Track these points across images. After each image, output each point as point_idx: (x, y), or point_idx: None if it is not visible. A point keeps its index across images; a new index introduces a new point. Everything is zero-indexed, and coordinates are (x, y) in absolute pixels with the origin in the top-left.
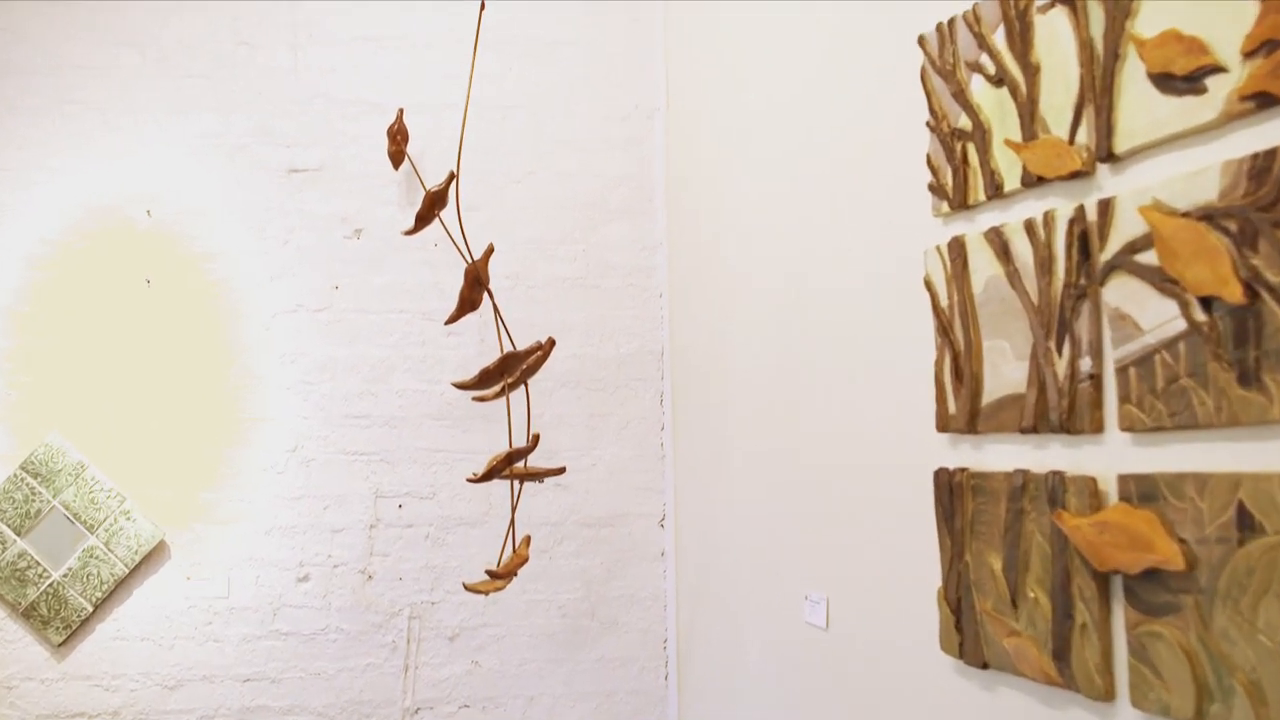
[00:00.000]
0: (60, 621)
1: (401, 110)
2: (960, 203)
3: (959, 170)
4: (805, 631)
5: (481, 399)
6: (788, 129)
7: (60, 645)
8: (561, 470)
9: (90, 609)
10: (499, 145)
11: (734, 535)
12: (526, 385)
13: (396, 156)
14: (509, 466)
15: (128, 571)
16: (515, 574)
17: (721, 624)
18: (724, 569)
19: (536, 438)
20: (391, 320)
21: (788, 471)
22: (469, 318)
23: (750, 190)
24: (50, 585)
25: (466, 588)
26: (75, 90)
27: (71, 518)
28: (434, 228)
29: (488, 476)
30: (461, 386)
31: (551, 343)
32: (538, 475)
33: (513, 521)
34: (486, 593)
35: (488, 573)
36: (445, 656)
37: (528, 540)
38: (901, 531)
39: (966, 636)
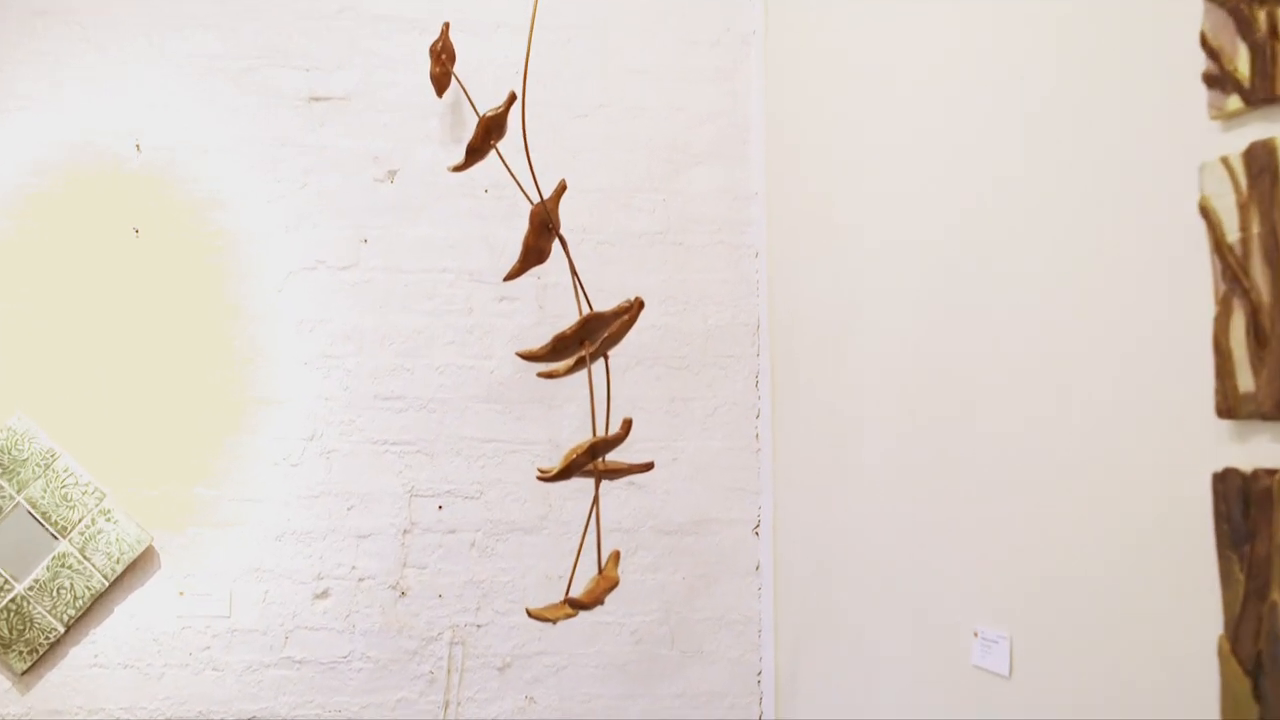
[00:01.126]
0: (24, 645)
1: (447, 25)
2: (1266, 95)
3: (1262, 49)
4: (973, 678)
5: (551, 374)
6: (945, 26)
7: (24, 674)
8: (649, 466)
9: (61, 629)
10: (560, 74)
11: (861, 549)
12: (606, 359)
13: (441, 79)
14: (591, 461)
15: (107, 584)
16: (602, 602)
17: (841, 658)
18: (845, 589)
19: (628, 424)
20: (432, 281)
21: (951, 472)
22: (525, 279)
23: (885, 119)
24: (12, 600)
25: (531, 614)
26: None
27: (39, 518)
28: (484, 169)
29: (566, 473)
30: (529, 357)
31: (640, 303)
32: (621, 472)
33: (598, 533)
34: (555, 620)
35: (569, 602)
36: (494, 691)
37: (616, 558)
38: (1147, 555)
39: (1271, 707)
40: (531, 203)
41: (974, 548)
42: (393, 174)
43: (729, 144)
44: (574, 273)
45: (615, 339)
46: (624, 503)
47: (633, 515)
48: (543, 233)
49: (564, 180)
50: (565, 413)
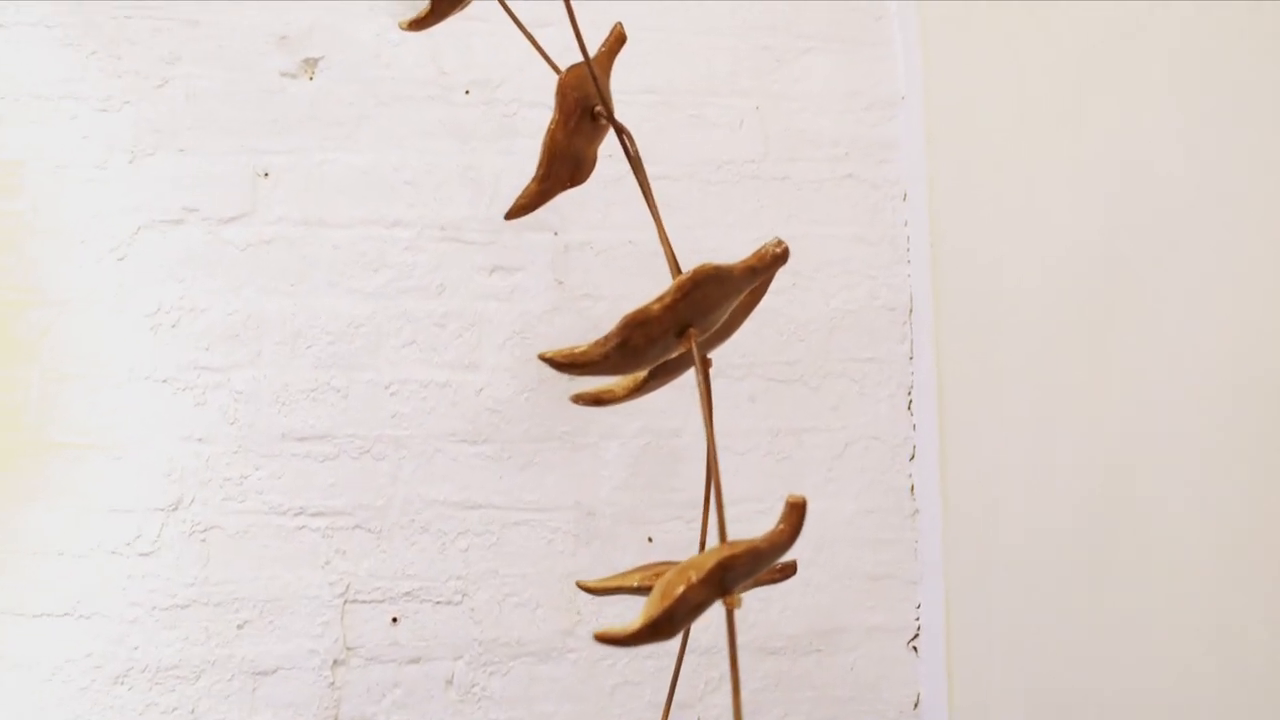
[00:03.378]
0: None
1: None
2: None
3: None
4: None
5: (603, 399)
6: None
7: None
8: (789, 571)
9: None
10: None
11: (1119, 682)
12: (706, 367)
13: None
14: (722, 596)
15: None
16: None
17: None
18: None
19: (798, 512)
20: (377, 242)
21: None
22: (534, 237)
23: None
24: None
25: None
26: None
27: None
28: (465, 56)
29: (663, 627)
30: (564, 363)
31: (783, 250)
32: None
33: (736, 707)
34: None
35: None
36: None
37: None
38: None
39: None
40: (557, 72)
41: None
42: (311, 64)
43: (857, 22)
44: (648, 196)
45: (736, 322)
46: None
47: (714, 625)
48: (580, 124)
49: (620, 27)
50: (602, 458)
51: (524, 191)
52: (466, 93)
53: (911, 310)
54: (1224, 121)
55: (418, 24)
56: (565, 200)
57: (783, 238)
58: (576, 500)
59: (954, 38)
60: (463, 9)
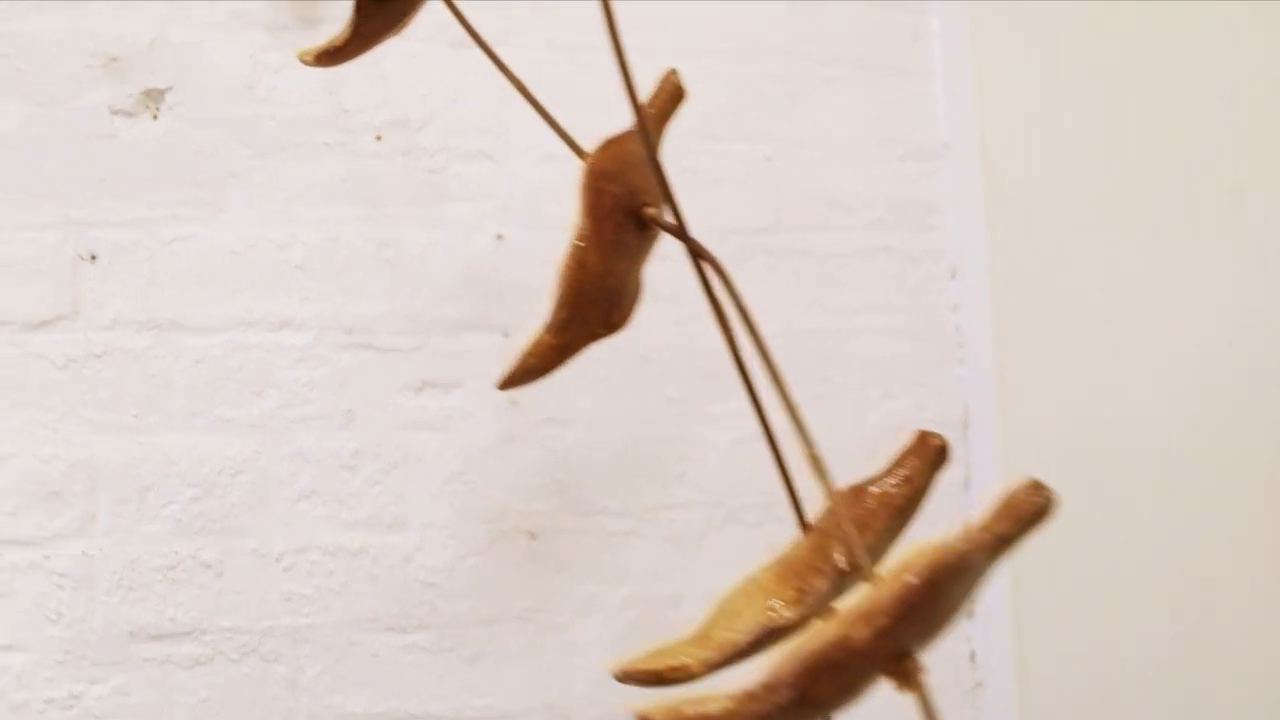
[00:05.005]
0: None
1: None
2: None
3: None
4: None
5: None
6: None
7: None
8: None
9: None
10: None
11: None
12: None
13: None
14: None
15: None
16: None
17: None
18: None
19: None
20: (257, 351)
21: None
22: (480, 342)
23: None
24: None
25: None
26: None
27: None
28: (376, 87)
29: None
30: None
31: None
32: None
33: None
34: None
35: None
36: None
37: None
38: None
39: None
40: (574, 149)
41: None
42: (154, 97)
43: (893, 35)
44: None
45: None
46: None
47: None
48: (622, 235)
49: (676, 77)
50: (578, 641)
51: (533, 345)
52: (377, 138)
53: (967, 426)
54: None
55: (330, 57)
56: (516, 286)
57: (804, 332)
58: (546, 702)
59: (1017, 62)
60: (396, 34)
